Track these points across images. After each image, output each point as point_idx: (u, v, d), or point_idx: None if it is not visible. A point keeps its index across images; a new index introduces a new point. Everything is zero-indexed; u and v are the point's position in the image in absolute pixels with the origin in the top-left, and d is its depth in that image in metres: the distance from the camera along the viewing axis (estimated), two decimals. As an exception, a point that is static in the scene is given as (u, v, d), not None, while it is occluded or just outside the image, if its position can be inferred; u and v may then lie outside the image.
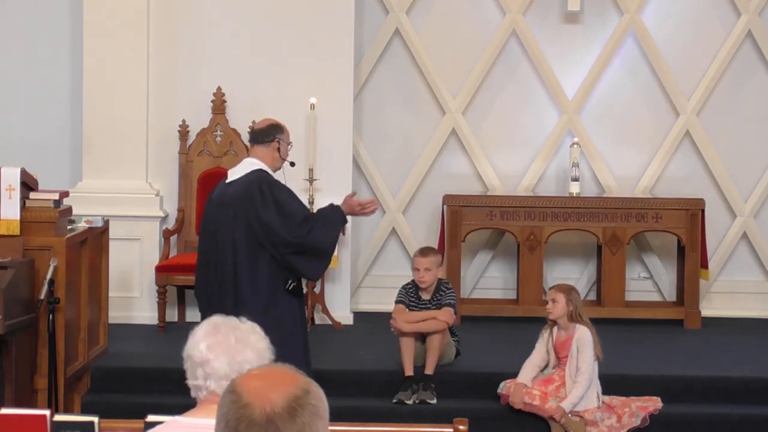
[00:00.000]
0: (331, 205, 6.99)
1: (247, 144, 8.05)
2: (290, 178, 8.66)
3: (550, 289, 7.59)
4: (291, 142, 7.06)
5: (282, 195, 6.76)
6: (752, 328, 9.50)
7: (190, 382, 3.45)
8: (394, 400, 7.50)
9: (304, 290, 7.11)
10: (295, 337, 6.72)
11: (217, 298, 6.75)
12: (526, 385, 7.37)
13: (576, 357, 7.29)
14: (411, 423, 6.63)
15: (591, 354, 7.27)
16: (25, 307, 6.95)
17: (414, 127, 10.01)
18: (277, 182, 6.84)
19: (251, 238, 6.70)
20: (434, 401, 7.51)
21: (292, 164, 7.16)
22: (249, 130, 8.64)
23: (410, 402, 7.48)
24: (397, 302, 7.73)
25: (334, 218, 6.91)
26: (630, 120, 10.04)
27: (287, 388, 2.28)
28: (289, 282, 6.73)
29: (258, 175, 6.78)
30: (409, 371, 7.55)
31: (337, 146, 9.33)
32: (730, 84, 9.99)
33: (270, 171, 6.86)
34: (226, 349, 3.38)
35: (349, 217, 7.24)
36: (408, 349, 7.57)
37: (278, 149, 6.89)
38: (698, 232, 9.38)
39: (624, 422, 7.30)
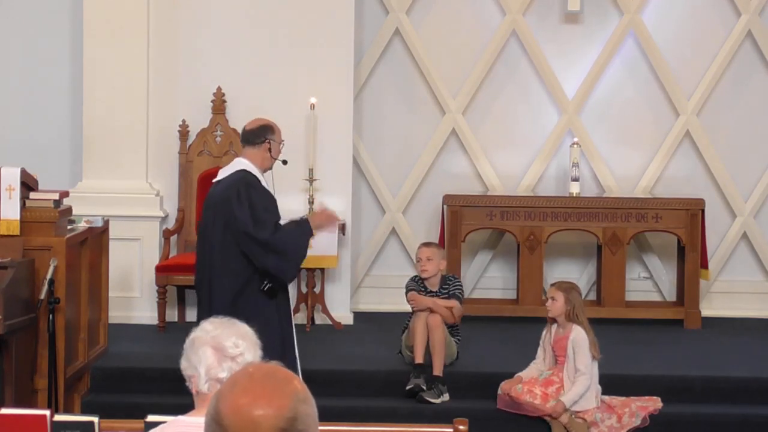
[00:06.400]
0: (300, 218, 7.04)
1: (247, 144, 8.04)
2: (290, 178, 8.68)
3: (551, 286, 7.61)
4: (283, 140, 7.04)
5: (257, 199, 6.74)
6: (752, 328, 9.49)
7: (183, 371, 3.58)
8: (410, 386, 7.47)
9: (294, 291, 7.14)
10: (269, 338, 6.65)
11: (202, 297, 6.83)
12: (522, 378, 7.41)
13: (573, 358, 7.29)
14: (411, 423, 6.62)
15: (588, 355, 7.27)
16: (25, 307, 6.95)
17: (414, 127, 10.00)
18: (258, 186, 6.80)
19: (226, 239, 6.72)
20: (445, 398, 7.52)
21: (285, 162, 7.14)
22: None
23: (425, 386, 7.47)
24: (408, 290, 7.78)
25: (302, 228, 6.90)
26: (630, 120, 10.03)
27: (272, 421, 2.24)
28: (264, 283, 6.72)
29: (240, 177, 6.77)
30: (419, 359, 7.56)
31: (337, 146, 9.33)
32: (730, 84, 9.98)
33: (257, 172, 6.84)
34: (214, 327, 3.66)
35: (341, 220, 7.20)
36: (420, 335, 7.57)
37: (269, 149, 6.89)
38: (698, 232, 9.38)
39: (624, 422, 7.30)
